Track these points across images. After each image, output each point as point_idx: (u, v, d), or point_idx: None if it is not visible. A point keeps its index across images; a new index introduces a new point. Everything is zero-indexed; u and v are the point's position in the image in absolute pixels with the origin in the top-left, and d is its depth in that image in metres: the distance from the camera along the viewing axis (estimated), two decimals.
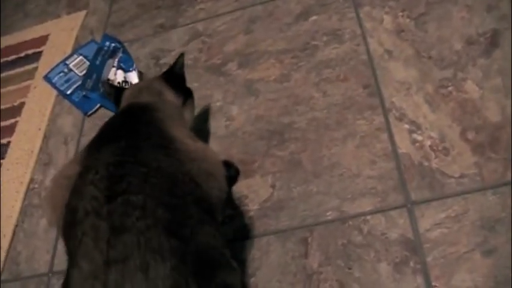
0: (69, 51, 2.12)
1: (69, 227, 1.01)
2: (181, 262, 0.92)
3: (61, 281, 1.46)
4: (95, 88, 1.88)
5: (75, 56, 2.04)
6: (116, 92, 1.48)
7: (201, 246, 0.99)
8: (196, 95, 1.80)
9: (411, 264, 1.29)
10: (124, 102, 1.40)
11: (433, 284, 1.24)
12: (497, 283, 1.21)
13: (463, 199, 1.35)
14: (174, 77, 1.48)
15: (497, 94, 1.49)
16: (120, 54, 1.87)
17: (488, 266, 1.23)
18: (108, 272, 0.89)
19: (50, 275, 1.57)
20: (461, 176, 1.38)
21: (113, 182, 1.00)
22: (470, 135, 1.45)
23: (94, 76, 1.87)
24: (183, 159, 1.13)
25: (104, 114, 1.87)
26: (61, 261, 1.59)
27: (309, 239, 1.40)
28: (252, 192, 1.53)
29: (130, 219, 0.94)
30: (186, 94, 1.48)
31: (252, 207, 1.50)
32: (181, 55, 1.50)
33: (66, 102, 1.96)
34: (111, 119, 1.30)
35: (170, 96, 1.42)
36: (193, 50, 1.95)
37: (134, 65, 1.84)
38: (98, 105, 1.89)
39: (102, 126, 1.27)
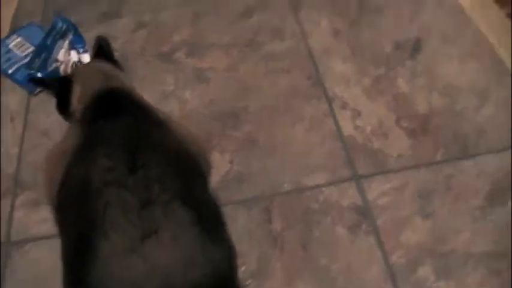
0: (6, 31, 2.12)
1: (76, 197, 1.04)
2: (201, 229, 0.99)
3: (21, 251, 1.49)
4: (41, 68, 1.90)
5: (15, 36, 2.04)
6: (61, 82, 1.35)
7: (209, 212, 1.09)
8: (147, 80, 1.91)
9: (363, 227, 1.49)
10: (84, 89, 1.30)
11: (383, 241, 1.45)
12: (436, 239, 1.44)
13: (402, 174, 1.58)
14: (110, 55, 1.44)
15: (423, 90, 1.76)
16: (70, 36, 1.92)
17: (427, 227, 1.47)
18: (143, 245, 0.93)
19: (8, 245, 1.58)
20: (399, 156, 1.62)
21: (131, 155, 1.05)
22: (404, 123, 1.69)
23: (43, 56, 1.89)
24: (178, 138, 1.21)
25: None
26: (19, 231, 1.60)
27: (271, 208, 1.55)
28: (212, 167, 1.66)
29: (154, 192, 0.99)
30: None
31: (213, 179, 1.63)
32: (101, 37, 1.45)
33: (10, 80, 1.97)
34: (95, 99, 1.25)
35: (122, 76, 1.40)
36: (140, 39, 2.05)
37: (86, 47, 1.91)
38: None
39: (86, 105, 1.25)
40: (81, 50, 1.91)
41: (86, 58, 1.87)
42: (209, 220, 1.07)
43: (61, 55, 1.90)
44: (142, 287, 0.91)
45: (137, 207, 0.97)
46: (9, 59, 1.99)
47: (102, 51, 1.43)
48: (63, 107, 1.33)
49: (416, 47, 1.88)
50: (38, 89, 1.92)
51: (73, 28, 1.94)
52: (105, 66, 1.40)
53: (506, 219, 1.45)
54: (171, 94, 1.85)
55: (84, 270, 0.94)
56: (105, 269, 0.93)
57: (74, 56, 1.86)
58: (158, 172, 1.04)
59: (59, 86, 1.34)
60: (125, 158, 1.05)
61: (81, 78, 1.34)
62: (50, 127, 1.78)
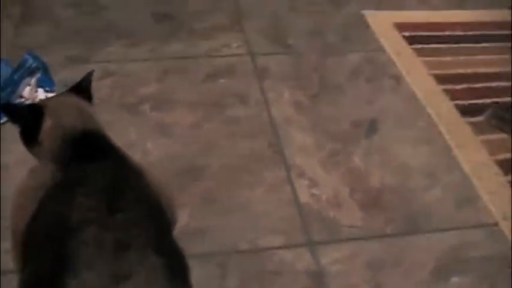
0: None
1: (51, 233, 1.04)
2: (172, 275, 1.02)
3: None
4: (5, 102, 1.89)
5: None
6: (30, 111, 1.31)
7: (177, 260, 1.13)
8: (110, 128, 1.92)
9: None
10: (57, 123, 1.28)
11: None
12: None
13: (354, 244, 1.64)
14: (87, 93, 1.42)
15: (377, 167, 1.86)
16: (39, 74, 1.93)
17: None
18: (117, 287, 0.94)
19: None
20: (352, 226, 1.69)
21: (110, 198, 1.07)
22: (357, 196, 1.78)
23: (8, 90, 1.89)
24: (151, 187, 1.23)
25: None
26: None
27: (226, 264, 1.57)
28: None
29: (131, 237, 1.01)
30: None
31: None
32: (91, 72, 1.44)
33: None
34: (71, 140, 1.24)
35: (96, 117, 1.37)
36: (106, 87, 2.07)
37: (55, 87, 1.92)
38: (5, 119, 1.90)
39: (61, 144, 1.24)
40: (48, 89, 1.92)
41: None
42: (178, 268, 1.10)
43: (26, 92, 1.91)
44: None
45: (113, 249, 0.98)
46: None
47: (82, 86, 1.40)
48: (29, 137, 1.28)
49: (372, 128, 2.00)
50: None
51: (43, 67, 1.95)
52: (81, 102, 1.37)
53: None
54: (133, 144, 1.87)
55: None
56: None
57: (40, 94, 1.88)
58: (135, 218, 1.06)
59: (28, 114, 1.29)
60: (105, 200, 1.06)
61: (54, 111, 1.30)
62: (11, 161, 1.75)
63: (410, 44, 2.40)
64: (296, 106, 2.05)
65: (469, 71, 2.29)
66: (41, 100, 1.78)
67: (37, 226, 1.08)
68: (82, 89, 1.40)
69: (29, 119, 1.28)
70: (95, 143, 1.25)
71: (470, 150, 1.94)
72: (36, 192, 1.13)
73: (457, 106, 2.11)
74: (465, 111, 2.09)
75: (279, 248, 1.62)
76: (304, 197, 1.76)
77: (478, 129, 2.03)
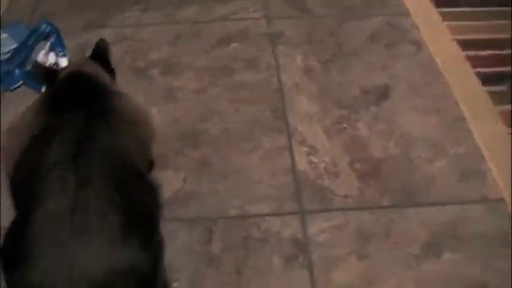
0: None
1: (29, 176, 1.17)
2: (129, 217, 1.11)
3: None
4: (20, 65, 1.95)
5: (1, 31, 2.10)
6: (48, 73, 1.54)
7: (140, 206, 1.18)
8: None
9: (299, 259, 1.51)
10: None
11: (315, 276, 1.48)
12: (366, 281, 1.46)
13: (345, 214, 1.61)
14: (102, 58, 1.57)
15: (382, 136, 1.80)
16: (52, 39, 1.99)
17: (360, 268, 1.49)
18: (73, 216, 1.05)
19: None
20: (346, 196, 1.65)
21: (80, 147, 1.18)
22: (357, 165, 1.73)
23: (23, 54, 1.96)
24: (125, 127, 1.33)
25: (25, 92, 1.94)
26: None
27: (214, 229, 1.58)
28: (165, 183, 1.68)
29: (90, 178, 1.12)
30: (113, 75, 1.61)
31: (165, 195, 1.65)
32: (102, 40, 1.60)
33: None
34: (63, 84, 1.41)
35: (107, 76, 1.54)
36: (120, 51, 2.10)
37: (65, 51, 1.97)
38: (21, 82, 1.96)
39: (54, 87, 1.42)
40: (60, 54, 1.98)
41: (64, 62, 1.94)
42: (142, 212, 1.17)
43: (41, 56, 1.97)
44: (68, 245, 1.03)
45: (75, 184, 1.10)
46: None
47: (99, 53, 1.57)
48: None
49: (383, 94, 1.93)
50: (14, 86, 1.96)
51: (56, 32, 2.01)
52: (87, 60, 1.54)
53: (438, 270, 1.48)
54: None
55: (23, 226, 1.07)
56: (38, 227, 1.05)
57: (51, 58, 1.94)
58: (100, 159, 1.17)
59: (46, 78, 1.51)
60: (74, 147, 1.17)
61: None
62: None
63: (438, 7, 2.28)
64: (307, 72, 2.01)
65: (497, 36, 2.16)
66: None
67: (20, 172, 1.22)
68: (99, 56, 1.56)
69: (47, 82, 1.50)
70: (83, 80, 1.41)
71: (485, 121, 1.84)
72: (28, 129, 1.27)
73: (478, 74, 2.00)
74: (487, 80, 1.98)
75: (267, 215, 1.61)
76: (301, 164, 1.73)
77: (498, 99, 1.91)
